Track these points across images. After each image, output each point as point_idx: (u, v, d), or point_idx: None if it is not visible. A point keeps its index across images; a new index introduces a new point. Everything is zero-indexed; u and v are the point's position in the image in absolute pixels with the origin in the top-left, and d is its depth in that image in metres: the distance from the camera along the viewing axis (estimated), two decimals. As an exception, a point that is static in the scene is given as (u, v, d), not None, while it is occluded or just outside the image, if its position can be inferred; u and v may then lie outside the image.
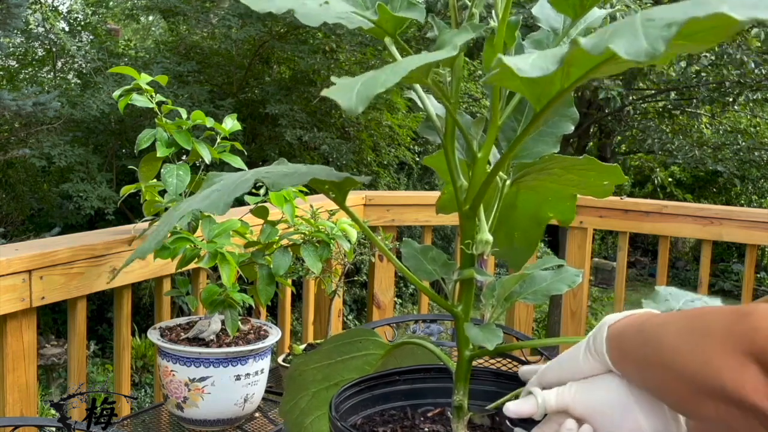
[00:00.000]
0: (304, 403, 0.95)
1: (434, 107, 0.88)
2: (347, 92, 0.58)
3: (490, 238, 0.86)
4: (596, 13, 0.87)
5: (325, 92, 0.58)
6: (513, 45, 0.84)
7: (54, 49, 8.10)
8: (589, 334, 0.74)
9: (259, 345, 1.67)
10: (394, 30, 0.80)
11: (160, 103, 1.74)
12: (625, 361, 0.70)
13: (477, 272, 0.85)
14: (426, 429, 0.93)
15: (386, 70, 0.61)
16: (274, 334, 1.74)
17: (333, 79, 0.61)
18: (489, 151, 0.84)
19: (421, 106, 0.87)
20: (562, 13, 0.87)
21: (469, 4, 0.83)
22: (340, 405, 0.89)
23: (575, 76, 0.65)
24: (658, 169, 10.91)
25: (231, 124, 1.81)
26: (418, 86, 0.81)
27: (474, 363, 0.89)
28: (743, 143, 9.55)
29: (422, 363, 0.94)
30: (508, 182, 0.93)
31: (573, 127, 0.91)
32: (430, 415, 0.96)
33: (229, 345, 1.66)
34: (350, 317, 7.52)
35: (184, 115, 1.77)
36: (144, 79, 1.72)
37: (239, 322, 1.69)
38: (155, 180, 1.74)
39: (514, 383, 0.97)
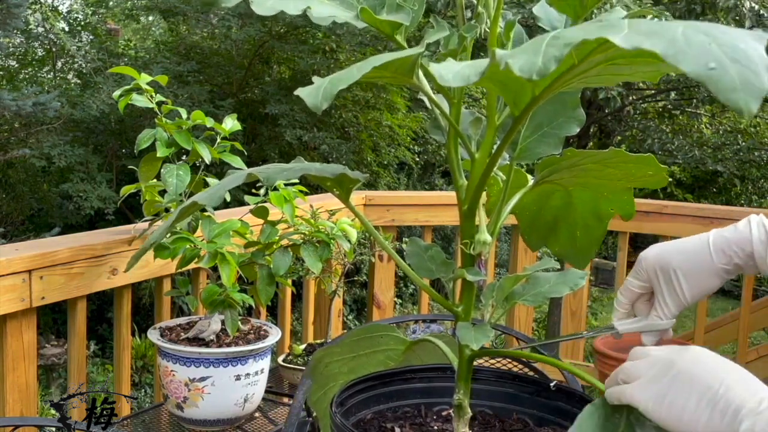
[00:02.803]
0: (333, 393, 0.96)
1: (443, 107, 0.88)
2: (315, 91, 0.61)
3: (489, 238, 0.86)
4: (617, 14, 0.87)
5: (298, 91, 0.61)
6: (510, 44, 0.84)
7: (54, 49, 8.10)
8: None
9: (259, 345, 1.67)
10: (392, 31, 0.80)
11: (160, 103, 1.74)
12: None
13: (469, 272, 0.85)
14: (436, 427, 0.93)
15: (352, 68, 0.63)
16: (274, 334, 1.74)
17: (314, 78, 0.64)
18: (488, 151, 0.84)
19: (429, 106, 0.87)
20: (563, 13, 0.87)
21: (476, 2, 0.83)
22: (348, 399, 0.90)
23: (542, 85, 0.66)
24: (658, 168, 10.86)
25: (231, 124, 1.81)
26: (425, 85, 0.81)
27: (475, 363, 0.89)
28: (743, 143, 9.54)
29: (443, 361, 0.94)
30: (530, 183, 0.93)
31: (578, 129, 0.90)
32: (444, 414, 0.96)
33: (229, 345, 1.66)
34: (350, 317, 7.52)
35: (184, 115, 1.77)
36: (144, 79, 1.72)
37: (239, 322, 1.69)
38: (155, 180, 1.74)
39: (514, 383, 0.97)
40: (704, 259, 0.88)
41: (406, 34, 0.82)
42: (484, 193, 0.87)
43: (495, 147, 0.84)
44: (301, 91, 0.61)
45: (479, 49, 0.87)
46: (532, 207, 1.04)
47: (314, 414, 1.54)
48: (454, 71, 0.58)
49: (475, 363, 0.88)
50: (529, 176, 0.95)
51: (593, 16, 0.88)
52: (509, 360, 1.77)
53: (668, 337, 0.94)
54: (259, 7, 0.73)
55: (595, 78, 0.66)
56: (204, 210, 1.74)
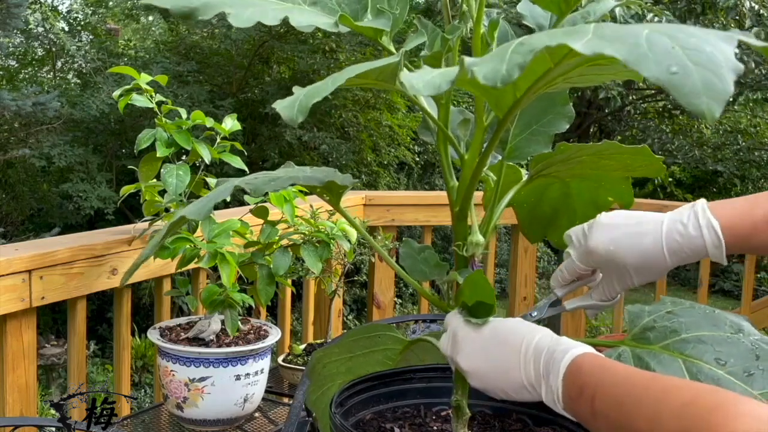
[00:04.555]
0: (331, 393, 0.96)
1: (433, 109, 0.88)
2: (291, 105, 0.61)
3: (481, 239, 0.85)
4: (605, 6, 0.86)
5: (274, 104, 0.62)
6: (494, 43, 0.83)
7: (54, 49, 8.09)
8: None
9: (259, 345, 1.67)
10: (376, 35, 0.80)
11: (159, 103, 1.74)
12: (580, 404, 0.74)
13: (460, 275, 0.84)
14: (435, 427, 0.93)
15: (327, 80, 0.63)
16: (274, 334, 1.74)
17: (295, 89, 0.64)
18: (477, 152, 0.83)
19: (419, 108, 0.87)
20: (547, 10, 0.87)
21: (460, 1, 0.82)
22: (347, 400, 0.90)
23: (523, 87, 0.66)
24: (658, 169, 10.87)
25: (231, 124, 1.81)
26: (408, 90, 0.81)
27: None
28: (743, 143, 9.54)
29: (442, 360, 0.94)
30: (524, 178, 0.93)
31: (567, 125, 0.90)
32: (443, 414, 0.96)
33: (229, 345, 1.66)
34: (350, 317, 7.52)
35: (184, 115, 1.77)
36: (144, 79, 1.72)
37: (239, 322, 1.69)
38: (155, 180, 1.74)
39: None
40: (658, 260, 0.86)
41: (393, 35, 0.82)
42: (478, 193, 0.87)
43: (484, 147, 0.84)
44: (278, 104, 0.61)
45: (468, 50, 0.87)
46: (529, 199, 1.04)
47: (314, 414, 1.54)
48: (424, 80, 0.57)
49: None
50: (523, 171, 0.95)
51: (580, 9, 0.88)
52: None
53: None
54: (237, 20, 0.74)
55: (578, 78, 0.66)
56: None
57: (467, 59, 0.54)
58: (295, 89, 0.63)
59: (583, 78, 0.66)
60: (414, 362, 0.99)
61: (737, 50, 0.47)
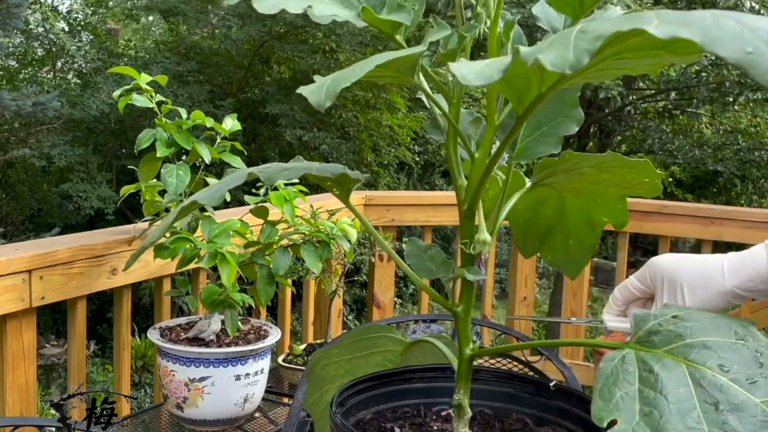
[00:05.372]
0: (329, 396, 0.96)
1: (442, 107, 0.88)
2: (318, 89, 0.61)
3: (488, 237, 0.85)
4: (612, 12, 0.87)
5: (300, 89, 0.61)
6: (509, 43, 0.84)
7: (54, 49, 8.10)
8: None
9: (259, 345, 1.67)
10: (392, 31, 0.80)
11: (160, 103, 1.74)
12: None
13: (469, 272, 0.85)
14: (435, 427, 0.93)
15: (355, 67, 0.63)
16: (274, 334, 1.74)
17: (315, 77, 0.64)
18: (487, 151, 0.83)
19: (428, 105, 0.87)
20: (562, 13, 0.87)
21: (474, 2, 0.83)
22: (348, 400, 0.90)
23: (549, 81, 0.66)
24: (658, 169, 10.89)
25: (231, 124, 1.81)
26: (425, 85, 0.81)
27: (475, 363, 0.89)
28: (743, 143, 9.54)
29: (442, 361, 0.94)
30: (528, 184, 0.93)
31: (577, 128, 0.90)
32: (444, 414, 0.96)
33: (229, 345, 1.66)
34: (350, 317, 7.52)
35: (184, 115, 1.77)
36: (144, 79, 1.72)
37: (239, 322, 1.69)
38: (155, 180, 1.74)
39: (514, 383, 0.97)
40: (716, 278, 0.85)
41: (406, 35, 0.82)
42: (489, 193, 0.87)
43: (495, 147, 0.84)
44: (304, 89, 0.61)
45: (479, 49, 0.87)
46: (526, 215, 1.04)
47: (312, 417, 1.54)
48: (475, 70, 0.57)
49: (475, 363, 0.88)
50: (527, 179, 0.95)
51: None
52: (509, 360, 1.77)
53: None
54: (261, 5, 0.73)
55: (595, 74, 0.66)
56: (204, 210, 1.74)
57: (523, 48, 0.54)
58: (317, 78, 0.63)
59: (601, 73, 0.66)
60: (414, 363, 1.00)
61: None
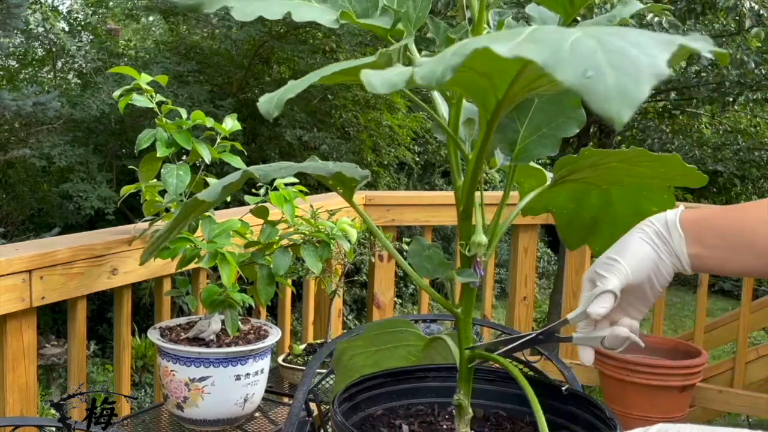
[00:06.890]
0: None
1: (445, 107, 0.88)
2: (270, 99, 0.62)
3: (484, 239, 0.85)
4: (631, 8, 0.86)
5: (258, 103, 0.63)
6: None
7: (54, 49, 8.10)
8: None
9: (259, 345, 1.67)
10: (385, 33, 0.80)
11: (160, 103, 1.74)
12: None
13: (461, 274, 0.84)
14: (445, 426, 0.93)
15: (305, 78, 0.64)
16: (274, 334, 1.74)
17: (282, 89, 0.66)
18: (482, 152, 0.83)
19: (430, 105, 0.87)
20: (554, 12, 0.87)
21: (465, 3, 0.83)
22: (357, 395, 0.90)
23: (502, 89, 0.66)
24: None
25: (231, 124, 1.81)
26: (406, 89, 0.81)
27: (490, 364, 0.89)
28: (743, 143, 9.54)
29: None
30: (548, 182, 0.93)
31: (577, 130, 0.89)
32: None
33: (229, 345, 1.66)
34: (350, 317, 7.52)
35: (184, 115, 1.77)
36: (144, 79, 1.72)
37: (239, 322, 1.69)
38: (155, 180, 1.74)
39: (513, 383, 0.97)
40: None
41: (406, 34, 0.82)
42: (493, 194, 0.87)
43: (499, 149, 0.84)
44: (261, 99, 0.63)
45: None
46: (569, 205, 1.04)
47: (314, 413, 1.54)
48: (383, 78, 0.58)
49: (489, 364, 0.89)
50: (548, 174, 0.95)
51: (593, 13, 0.88)
52: (509, 360, 1.76)
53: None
54: (239, 14, 0.74)
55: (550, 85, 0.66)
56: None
57: (418, 59, 0.55)
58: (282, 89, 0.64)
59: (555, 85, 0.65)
60: (437, 360, 1.00)
61: (732, 51, 0.46)
